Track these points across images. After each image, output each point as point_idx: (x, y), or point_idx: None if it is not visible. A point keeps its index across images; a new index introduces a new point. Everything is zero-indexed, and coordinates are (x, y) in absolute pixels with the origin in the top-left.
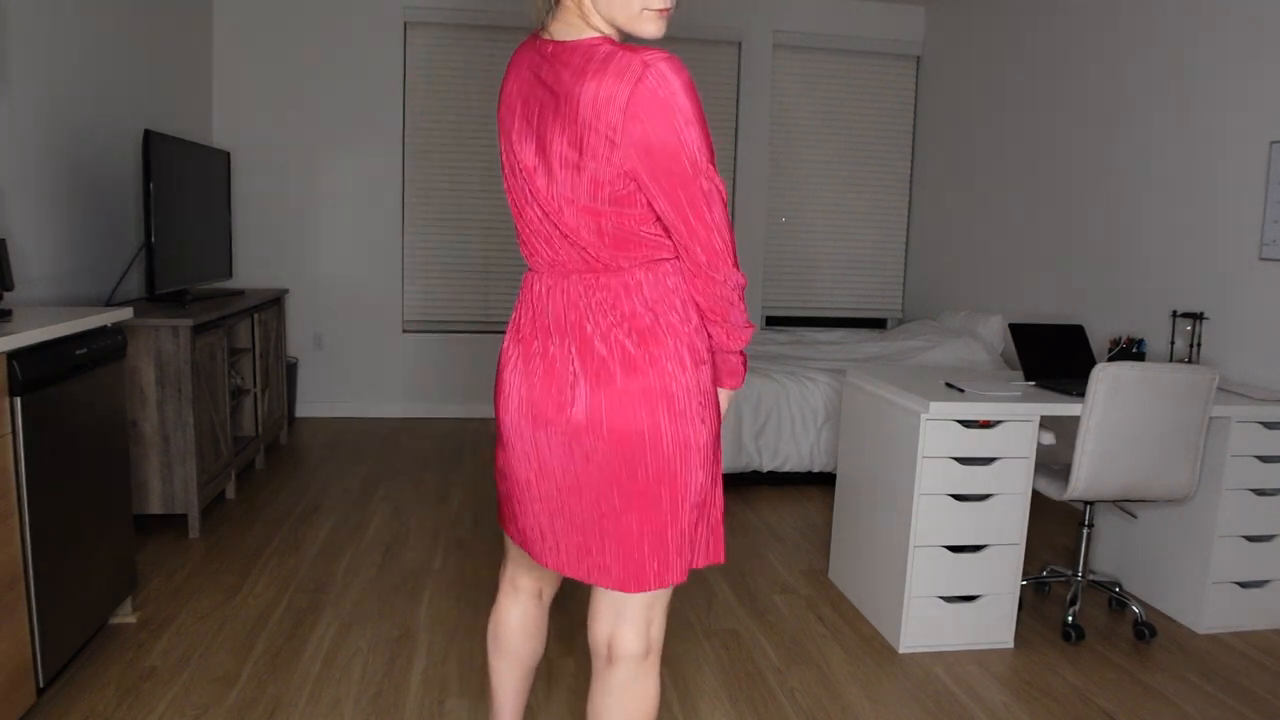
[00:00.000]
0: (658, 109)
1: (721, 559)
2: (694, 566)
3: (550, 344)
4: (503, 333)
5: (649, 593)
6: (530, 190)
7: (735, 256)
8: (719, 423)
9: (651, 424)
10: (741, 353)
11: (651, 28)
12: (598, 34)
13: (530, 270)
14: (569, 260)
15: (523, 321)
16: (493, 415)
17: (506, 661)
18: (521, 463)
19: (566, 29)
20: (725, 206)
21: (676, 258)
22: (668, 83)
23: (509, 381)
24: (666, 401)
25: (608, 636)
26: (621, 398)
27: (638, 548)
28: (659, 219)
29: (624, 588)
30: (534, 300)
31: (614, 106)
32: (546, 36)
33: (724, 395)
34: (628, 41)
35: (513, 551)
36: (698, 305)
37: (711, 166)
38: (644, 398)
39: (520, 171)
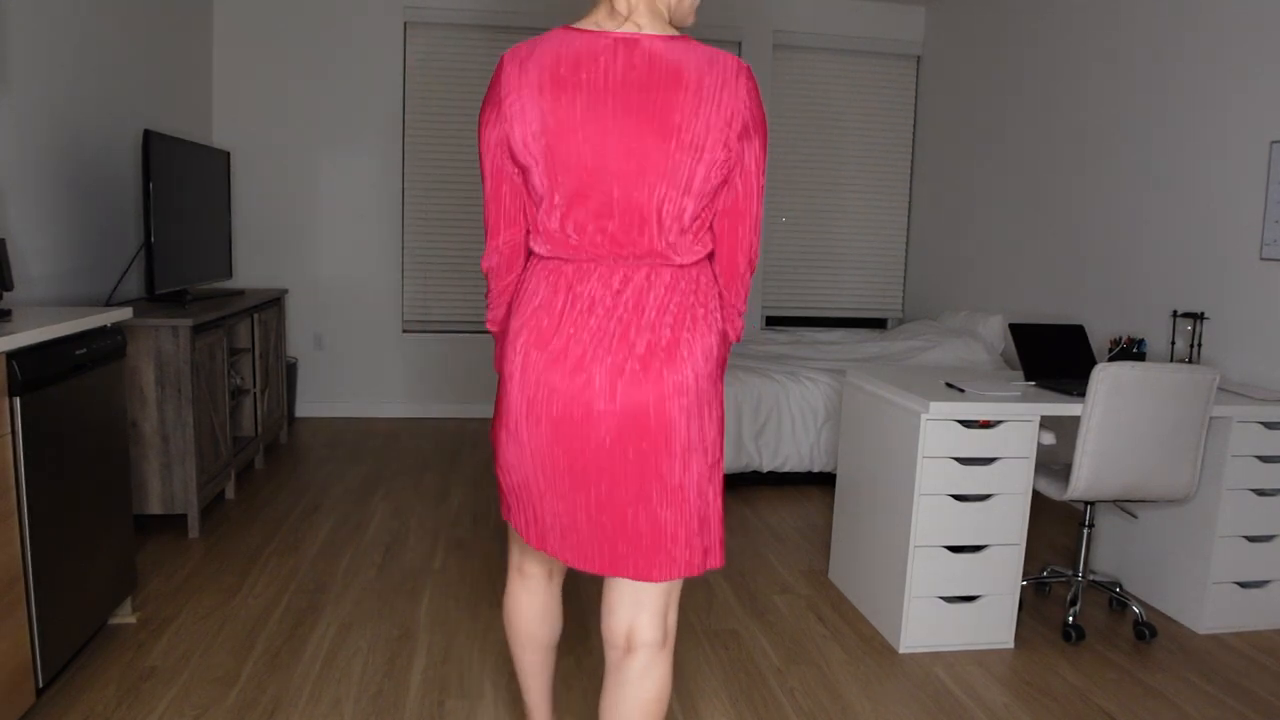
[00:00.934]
0: (760, 110)
1: (721, 562)
2: (705, 569)
3: (586, 335)
4: None
5: (670, 581)
6: (612, 177)
7: None
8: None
9: (686, 418)
10: None
11: (692, 18)
12: (676, 32)
13: (564, 260)
14: (634, 248)
15: (553, 313)
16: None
17: (526, 647)
18: (546, 461)
19: (647, 26)
20: None
21: (710, 256)
22: (758, 87)
23: (538, 378)
24: (698, 395)
25: (627, 627)
26: (662, 392)
27: (669, 537)
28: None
29: (649, 578)
30: (567, 289)
31: (740, 106)
32: (622, 31)
33: None
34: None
35: (519, 539)
36: (721, 298)
37: None
38: (681, 392)
39: (602, 158)
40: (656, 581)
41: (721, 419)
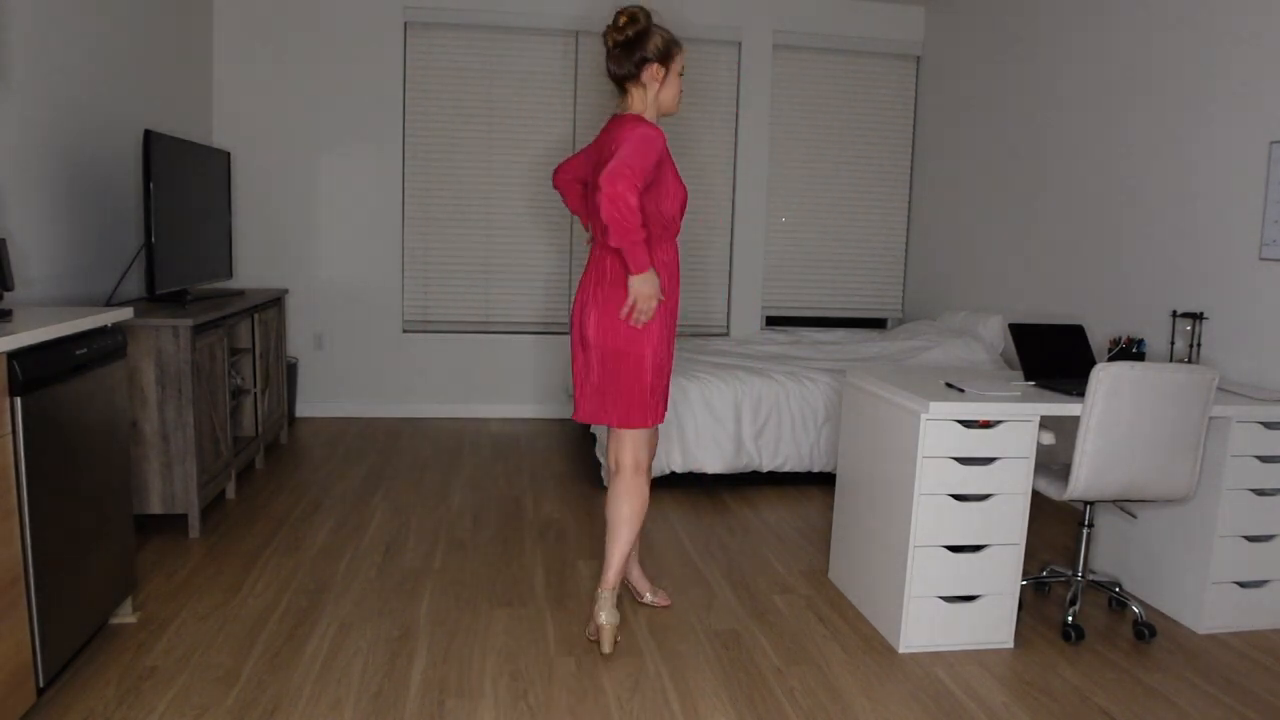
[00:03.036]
0: (635, 135)
1: (639, 425)
2: (633, 426)
3: (604, 286)
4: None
5: (626, 431)
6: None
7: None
8: (658, 340)
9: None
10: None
11: (677, 110)
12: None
13: (596, 244)
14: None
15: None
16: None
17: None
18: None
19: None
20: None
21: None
22: (638, 128)
23: (591, 314)
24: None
25: (614, 458)
26: (606, 319)
27: (613, 409)
28: None
29: (618, 424)
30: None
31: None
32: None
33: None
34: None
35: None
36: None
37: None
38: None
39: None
40: (615, 426)
41: (656, 351)
